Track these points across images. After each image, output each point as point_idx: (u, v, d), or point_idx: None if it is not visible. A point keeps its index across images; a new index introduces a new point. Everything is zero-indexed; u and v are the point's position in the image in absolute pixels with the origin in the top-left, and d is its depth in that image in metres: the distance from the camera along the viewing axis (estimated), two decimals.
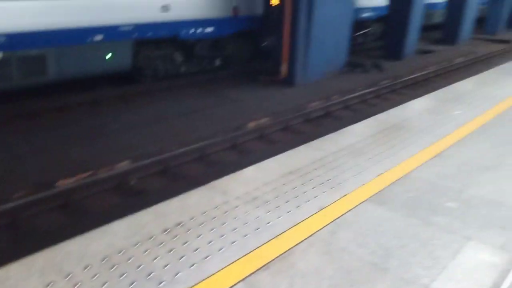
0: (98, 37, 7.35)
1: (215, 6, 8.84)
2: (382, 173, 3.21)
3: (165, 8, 8.15)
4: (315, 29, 8.68)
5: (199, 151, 5.60)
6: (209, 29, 8.93)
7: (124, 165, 5.00)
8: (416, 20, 11.54)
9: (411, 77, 9.80)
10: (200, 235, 2.38)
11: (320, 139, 3.99)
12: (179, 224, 2.48)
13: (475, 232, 2.46)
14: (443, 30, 14.70)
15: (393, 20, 11.62)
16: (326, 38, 9.03)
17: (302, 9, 8.39)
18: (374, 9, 12.74)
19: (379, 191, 2.93)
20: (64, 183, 4.53)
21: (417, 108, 4.96)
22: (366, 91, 8.62)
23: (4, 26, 6.27)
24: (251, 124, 6.59)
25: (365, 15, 12.58)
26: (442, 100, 5.16)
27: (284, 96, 8.18)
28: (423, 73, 10.24)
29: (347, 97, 8.16)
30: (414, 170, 3.27)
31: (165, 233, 2.39)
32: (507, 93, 5.46)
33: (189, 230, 2.43)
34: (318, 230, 2.45)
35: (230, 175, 3.14)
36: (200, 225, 2.48)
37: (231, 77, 9.69)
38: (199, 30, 8.79)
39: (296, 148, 3.74)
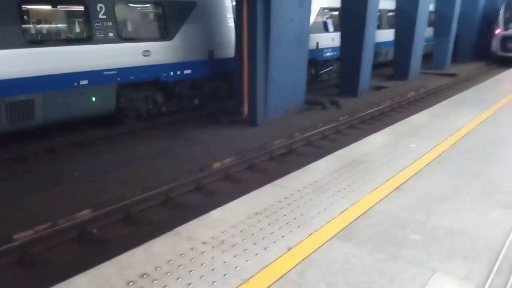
0: (84, 82, 7.69)
1: (193, 50, 9.38)
2: (346, 209, 3.25)
3: (146, 52, 8.59)
4: (274, 70, 8.96)
5: (163, 195, 5.49)
6: (187, 71, 9.38)
7: (84, 214, 4.80)
8: (367, 58, 12.16)
9: (368, 112, 10.19)
10: (166, 286, 2.29)
11: (285, 177, 4.02)
12: (143, 275, 2.38)
13: (439, 263, 2.51)
14: (394, 67, 15.54)
15: (347, 59, 12.18)
16: (284, 78, 9.32)
17: (260, 52, 8.66)
18: (334, 49, 13.83)
19: (345, 227, 2.95)
20: (21, 236, 4.29)
21: (375, 142, 5.13)
22: (326, 127, 8.86)
23: None
24: (216, 165, 6.56)
25: (327, 55, 13.85)
26: (399, 134, 5.37)
27: (247, 135, 8.26)
28: (378, 108, 10.67)
29: (308, 133, 8.34)
30: (377, 204, 3.34)
31: (129, 285, 2.29)
32: (458, 124, 5.76)
33: (154, 281, 2.33)
34: (287, 272, 2.41)
35: (195, 220, 3.08)
36: (166, 274, 2.39)
37: (194, 119, 9.72)
38: (178, 72, 9.20)
39: (262, 187, 3.74)
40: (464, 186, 3.69)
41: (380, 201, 3.40)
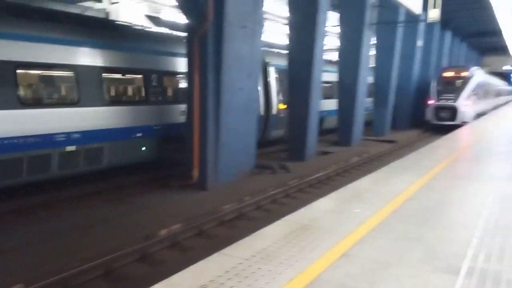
0: (139, 134, 9.66)
1: None
2: (294, 277, 3.24)
3: (183, 112, 10.28)
4: (224, 135, 9.15)
5: (104, 267, 5.19)
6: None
7: None
8: (313, 125, 12.75)
9: (315, 176, 10.50)
10: None
11: (233, 244, 3.97)
12: None
13: None
14: (338, 134, 16.34)
15: (294, 125, 12.69)
16: (234, 143, 9.51)
17: (210, 117, 8.87)
18: None
19: None
20: None
21: (322, 207, 5.25)
22: (276, 191, 8.98)
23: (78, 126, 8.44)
24: (163, 232, 6.37)
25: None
26: (344, 199, 5.55)
27: (196, 200, 8.16)
28: (325, 172, 11.04)
29: (258, 198, 8.40)
30: (324, 272, 3.36)
31: None
32: (399, 190, 6.06)
33: None
34: None
35: None
36: None
37: (141, 183, 9.51)
38: None
39: (209, 257, 3.66)
40: (405, 251, 3.82)
41: (327, 268, 3.43)
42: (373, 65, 19.21)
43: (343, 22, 15.87)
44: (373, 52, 18.61)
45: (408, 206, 5.29)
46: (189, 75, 9.21)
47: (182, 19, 10.21)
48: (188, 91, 9.29)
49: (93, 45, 8.91)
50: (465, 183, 6.68)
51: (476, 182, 6.73)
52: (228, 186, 9.13)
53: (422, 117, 22.28)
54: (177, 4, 9.58)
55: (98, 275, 5.10)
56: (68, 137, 8.25)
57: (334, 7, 18.34)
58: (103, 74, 9.09)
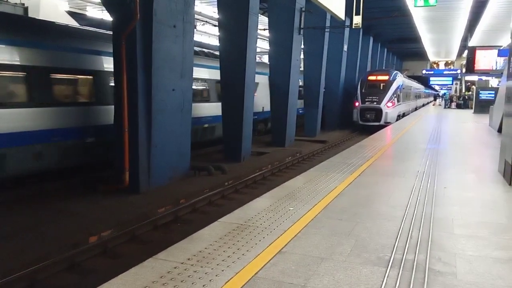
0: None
1: None
2: (231, 278, 3.22)
3: None
4: (156, 137, 8.89)
5: (28, 279, 4.81)
6: None
7: None
8: (248, 126, 12.86)
9: (251, 177, 10.58)
10: None
11: (168, 248, 3.86)
12: None
13: None
14: (272, 134, 16.64)
15: (229, 126, 12.71)
16: (168, 145, 9.28)
17: (141, 119, 8.57)
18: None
19: None
20: None
21: (258, 207, 5.29)
22: (211, 192, 8.91)
23: None
24: (92, 239, 6.04)
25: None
26: (278, 198, 5.64)
27: (129, 205, 7.83)
28: (260, 172, 11.17)
29: (194, 200, 8.28)
30: (260, 270, 3.38)
31: None
32: (330, 187, 6.29)
33: None
34: None
35: None
36: None
37: (66, 189, 8.94)
38: None
39: (143, 262, 3.52)
40: (337, 246, 3.96)
41: (263, 267, 3.45)
42: (302, 69, 19.85)
43: (272, 26, 16.20)
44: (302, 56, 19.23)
45: (338, 202, 5.50)
46: (116, 75, 8.82)
47: (108, 16, 9.74)
48: (116, 91, 8.90)
49: None
50: (391, 179, 7.10)
51: (400, 178, 7.19)
52: (162, 189, 8.89)
53: (349, 118, 23.41)
54: (101, 1, 9.13)
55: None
56: None
57: (263, 11, 18.71)
58: None
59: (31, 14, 14.68)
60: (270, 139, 16.79)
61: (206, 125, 14.16)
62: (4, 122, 7.83)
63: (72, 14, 18.40)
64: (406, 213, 5.04)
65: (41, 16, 14.01)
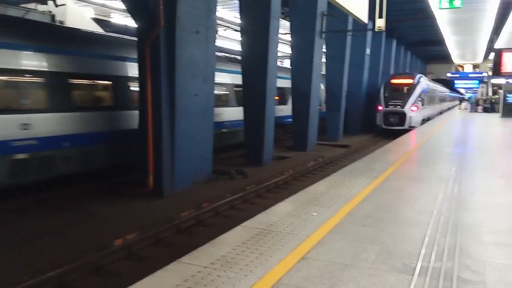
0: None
1: None
2: (254, 284, 3.22)
3: None
4: (180, 142, 9.00)
5: (55, 281, 4.92)
6: None
7: None
8: (270, 130, 12.86)
9: (273, 181, 10.56)
10: None
11: (192, 252, 3.88)
12: None
13: None
14: (293, 139, 16.57)
15: (251, 131, 12.74)
16: (191, 150, 9.38)
17: (165, 124, 8.69)
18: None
19: None
20: None
21: (280, 211, 5.27)
22: (234, 197, 8.93)
23: None
24: (117, 242, 6.14)
25: None
26: (301, 203, 5.61)
27: (152, 208, 7.94)
28: (282, 177, 11.14)
29: (216, 204, 8.32)
30: (284, 276, 3.36)
31: None
32: (353, 192, 6.21)
33: None
34: None
35: None
36: None
37: (92, 192, 9.13)
38: None
39: (167, 266, 3.55)
40: (362, 252, 3.90)
41: (287, 272, 3.43)
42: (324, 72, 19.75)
43: (294, 30, 16.18)
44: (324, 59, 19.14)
45: (362, 207, 5.43)
46: (140, 81, 8.98)
47: (133, 23, 9.94)
48: (140, 96, 9.06)
49: None
50: (416, 184, 6.97)
51: (426, 183, 7.04)
52: (185, 193, 8.98)
53: (372, 122, 23.10)
54: (126, 8, 9.32)
55: None
56: None
57: (285, 15, 18.71)
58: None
59: (58, 21, 15.10)
60: (292, 143, 16.73)
61: (224, 130, 14.23)
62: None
63: (97, 20, 18.85)
64: (432, 219, 4.93)
65: (68, 23, 14.39)
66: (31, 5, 15.08)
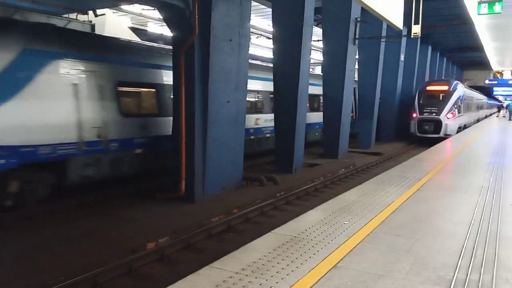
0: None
1: None
2: None
3: None
4: (211, 148, 9.11)
5: (90, 281, 5.07)
6: None
7: None
8: (300, 137, 12.81)
9: (303, 188, 10.50)
10: None
11: (223, 258, 3.91)
12: None
13: None
14: (324, 146, 16.42)
15: (281, 137, 12.73)
16: (222, 156, 9.48)
17: (198, 130, 8.82)
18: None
19: None
20: None
21: (311, 219, 5.24)
22: (263, 203, 8.94)
23: None
24: (150, 245, 6.26)
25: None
26: (332, 211, 5.55)
27: (184, 213, 8.05)
28: (312, 184, 11.05)
29: (246, 210, 8.35)
30: (315, 285, 3.33)
31: None
32: (387, 201, 6.09)
33: None
34: None
35: None
36: None
37: (125, 196, 9.36)
38: None
39: (199, 270, 3.60)
40: (395, 263, 3.82)
41: (318, 281, 3.40)
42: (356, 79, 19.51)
43: (326, 37, 16.09)
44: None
45: (396, 217, 5.31)
46: (175, 87, 9.17)
47: (168, 32, 10.18)
48: (174, 103, 9.24)
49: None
50: (452, 194, 6.76)
51: (462, 193, 6.82)
52: (215, 199, 9.06)
53: (406, 129, 22.59)
54: (162, 17, 9.56)
55: None
56: None
57: (317, 22, 18.65)
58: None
59: (97, 30, 15.67)
60: (323, 150, 16.58)
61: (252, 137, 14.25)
62: None
63: (134, 30, 19.42)
64: (469, 231, 4.76)
65: (106, 32, 14.90)
66: (73, 15, 15.71)
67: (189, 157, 8.86)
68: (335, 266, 3.71)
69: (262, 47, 28.63)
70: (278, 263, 3.76)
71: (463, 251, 4.13)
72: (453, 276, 3.52)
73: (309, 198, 10.19)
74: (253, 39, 24.09)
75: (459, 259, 3.91)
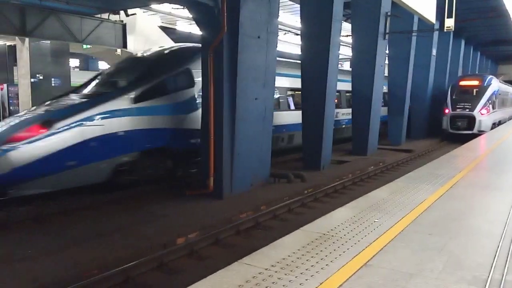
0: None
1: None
2: None
3: None
4: (239, 145, 9.15)
5: (122, 275, 5.21)
6: None
7: None
8: (328, 134, 12.69)
9: (331, 186, 10.41)
10: None
11: (252, 254, 3.94)
12: None
13: None
14: (353, 143, 16.19)
15: (309, 135, 12.65)
16: (250, 153, 9.51)
17: (226, 127, 8.89)
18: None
19: None
20: None
21: (340, 217, 5.20)
22: (291, 200, 8.92)
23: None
24: (180, 240, 6.37)
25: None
26: (362, 209, 5.48)
27: (212, 209, 8.14)
28: (341, 181, 10.94)
29: (274, 207, 8.35)
30: (345, 283, 3.31)
31: None
32: (418, 199, 5.97)
33: None
34: None
35: None
36: None
37: (155, 192, 9.54)
38: None
39: (228, 266, 3.64)
40: (428, 262, 3.74)
41: (348, 279, 3.38)
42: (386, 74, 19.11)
43: (356, 32, 15.85)
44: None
45: (428, 215, 5.20)
46: (204, 85, 9.26)
47: (197, 30, 10.28)
48: (203, 100, 9.34)
49: None
50: (487, 192, 6.56)
51: (498, 191, 6.60)
52: (243, 195, 9.11)
53: (438, 126, 22.01)
54: (191, 16, 9.66)
55: (116, 283, 5.11)
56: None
57: (346, 17, 18.37)
58: None
59: (128, 30, 16.00)
60: (351, 147, 16.37)
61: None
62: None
63: (163, 28, 19.72)
64: (505, 230, 4.61)
65: (137, 31, 15.24)
66: (104, 15, 16.10)
67: (217, 154, 8.95)
68: (365, 265, 3.67)
69: (289, 43, 28.49)
70: (307, 260, 3.75)
71: (498, 250, 4.00)
72: (488, 276, 3.42)
73: (338, 195, 10.10)
74: (281, 35, 24.02)
75: (494, 258, 3.80)
